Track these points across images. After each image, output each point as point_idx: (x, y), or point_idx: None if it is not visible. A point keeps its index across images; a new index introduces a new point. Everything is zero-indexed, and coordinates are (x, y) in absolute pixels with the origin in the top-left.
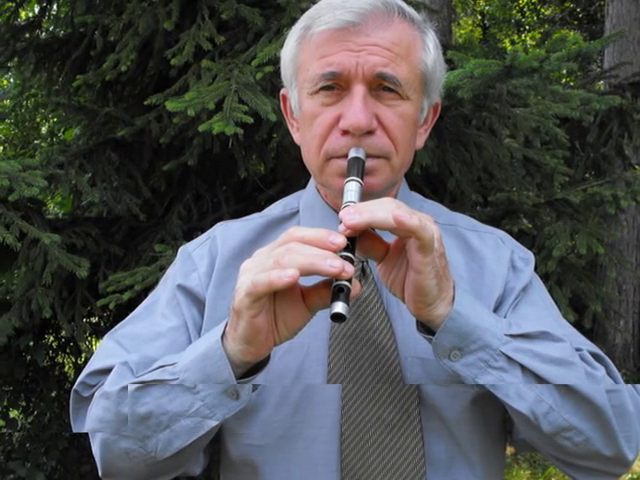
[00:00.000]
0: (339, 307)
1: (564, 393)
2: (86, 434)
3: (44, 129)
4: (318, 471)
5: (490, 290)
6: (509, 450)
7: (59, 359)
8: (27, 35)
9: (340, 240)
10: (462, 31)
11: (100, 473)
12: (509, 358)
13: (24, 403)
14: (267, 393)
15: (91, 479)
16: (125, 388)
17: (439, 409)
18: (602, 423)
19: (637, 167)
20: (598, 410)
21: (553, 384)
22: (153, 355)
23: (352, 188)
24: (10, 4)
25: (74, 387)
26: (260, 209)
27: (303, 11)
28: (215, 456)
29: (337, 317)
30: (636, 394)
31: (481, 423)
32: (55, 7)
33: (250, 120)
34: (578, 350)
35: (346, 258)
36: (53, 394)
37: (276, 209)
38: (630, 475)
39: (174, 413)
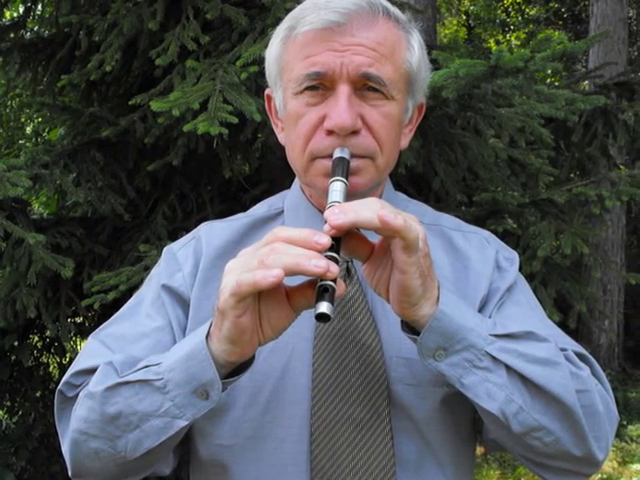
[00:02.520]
0: (324, 307)
1: (534, 393)
2: (56, 434)
3: (29, 129)
4: (288, 471)
5: (475, 290)
6: (479, 450)
7: (44, 359)
8: (12, 35)
9: (325, 240)
10: (447, 31)
11: (70, 473)
12: (494, 358)
13: (9, 403)
14: (237, 393)
15: (61, 479)
16: (110, 388)
17: (409, 409)
18: (572, 423)
19: (622, 167)
20: (568, 410)
21: (523, 384)
22: (138, 355)
23: (337, 188)
24: None
25: (59, 387)
26: (245, 209)
27: (288, 11)
28: (185, 456)
29: (322, 317)
30: (606, 394)
31: (451, 423)
32: (40, 7)
33: (235, 120)
34: (563, 350)
35: (331, 258)
36: (38, 394)
37: (261, 209)
38: (600, 475)
39: (144, 413)
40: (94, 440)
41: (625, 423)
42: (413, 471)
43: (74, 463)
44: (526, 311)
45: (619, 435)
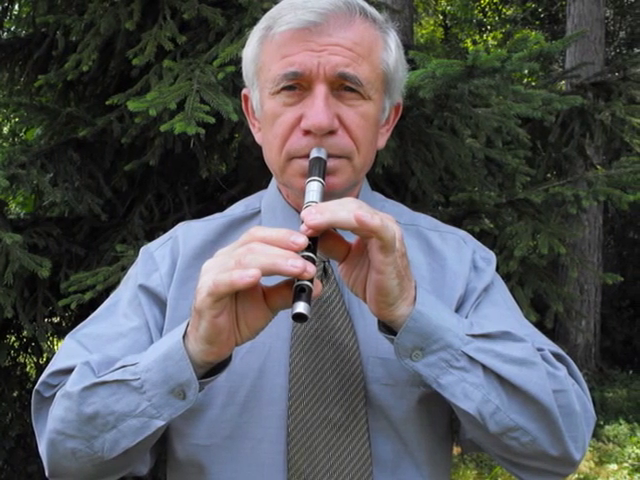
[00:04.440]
0: (301, 307)
1: (511, 393)
2: (33, 434)
3: (6, 129)
4: (265, 471)
5: (452, 290)
6: (456, 450)
7: (21, 359)
8: None
9: (302, 240)
10: (424, 31)
11: (47, 473)
12: (471, 358)
13: None
14: (214, 393)
15: (38, 479)
16: (87, 388)
17: (386, 409)
18: (548, 423)
19: (598, 167)
20: (545, 410)
21: (500, 384)
22: (115, 355)
23: (314, 188)
24: None
25: (36, 387)
26: (222, 209)
27: (265, 11)
28: (162, 456)
29: (299, 317)
30: (582, 394)
31: (428, 423)
32: (17, 7)
33: (212, 120)
34: (540, 350)
35: (308, 258)
36: (15, 394)
37: (238, 209)
38: (577, 475)
39: (121, 413)
40: (71, 440)
41: (602, 423)
42: (390, 471)
43: (51, 463)
44: (503, 311)
45: (596, 435)
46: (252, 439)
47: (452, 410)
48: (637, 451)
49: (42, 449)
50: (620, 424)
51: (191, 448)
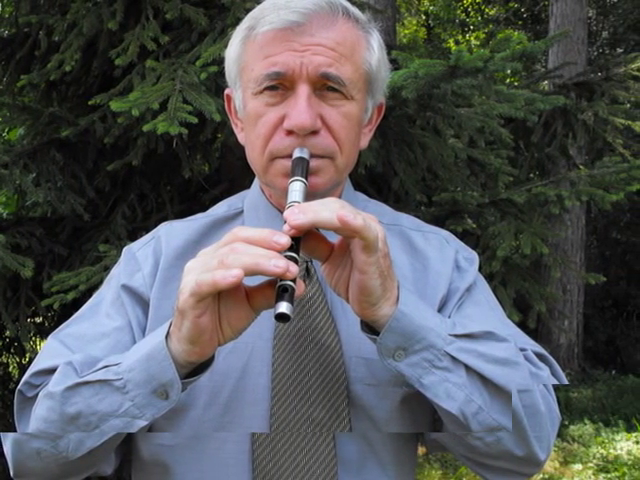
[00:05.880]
0: (283, 307)
1: (493, 393)
2: None
3: None
4: (230, 471)
5: (434, 290)
6: (421, 450)
7: (3, 359)
8: None
9: (284, 240)
10: (406, 31)
11: (12, 473)
12: (453, 358)
13: None
14: (196, 393)
15: (3, 479)
16: (69, 388)
17: (368, 409)
18: (513, 423)
19: (581, 167)
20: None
21: (482, 384)
22: (97, 355)
23: (296, 188)
24: None
25: (18, 387)
26: (204, 209)
27: (247, 11)
28: (127, 456)
29: (281, 317)
30: (547, 394)
31: (409, 423)
32: None
33: (194, 120)
34: (522, 350)
35: (290, 258)
36: None
37: (220, 209)
38: (542, 475)
39: (103, 413)
40: (35, 440)
41: (567, 423)
42: (355, 471)
43: (15, 463)
44: (485, 311)
45: (561, 435)
46: (217, 439)
47: (434, 410)
48: (602, 451)
49: (6, 449)
50: (585, 424)
51: (155, 448)
